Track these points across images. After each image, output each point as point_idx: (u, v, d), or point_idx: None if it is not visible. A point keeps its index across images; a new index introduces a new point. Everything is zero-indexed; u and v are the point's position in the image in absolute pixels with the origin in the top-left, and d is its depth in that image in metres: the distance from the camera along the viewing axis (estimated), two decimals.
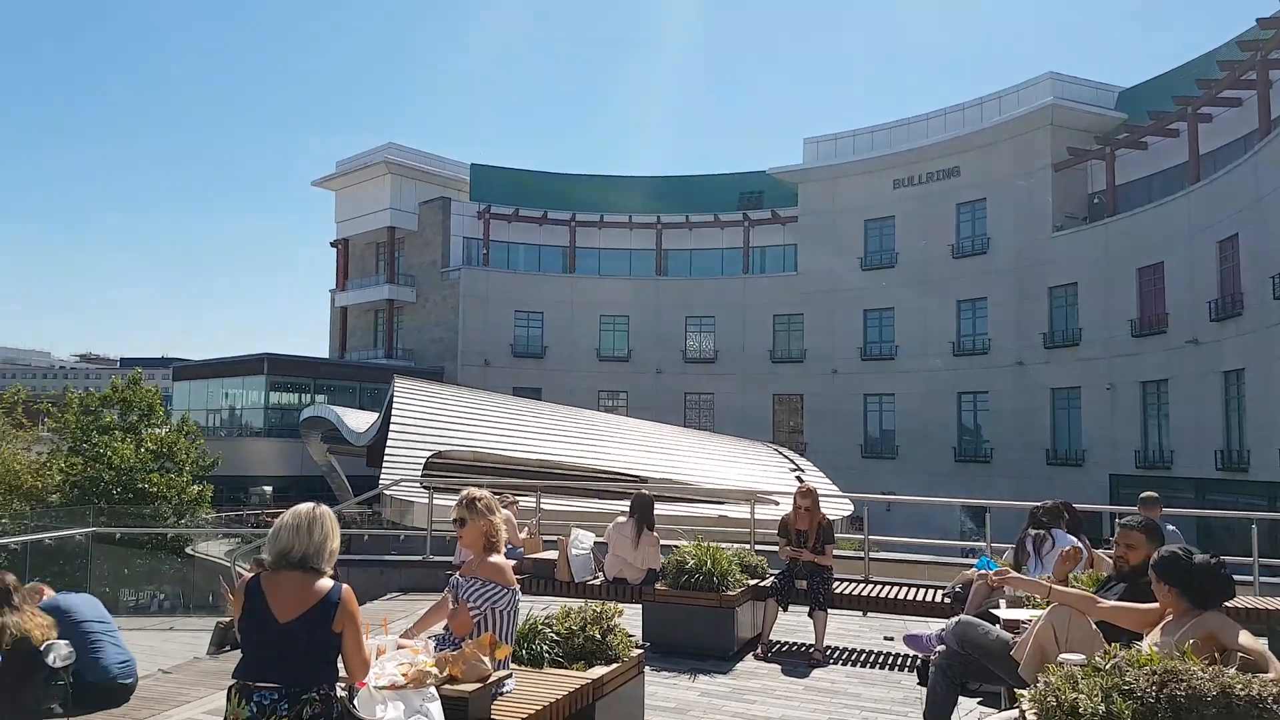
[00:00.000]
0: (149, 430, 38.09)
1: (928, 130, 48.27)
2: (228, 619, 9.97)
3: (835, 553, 8.93)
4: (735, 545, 9.93)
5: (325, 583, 3.94)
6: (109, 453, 34.88)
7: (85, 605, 6.84)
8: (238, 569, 11.85)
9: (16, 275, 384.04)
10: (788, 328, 51.72)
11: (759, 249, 54.75)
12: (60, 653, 6.09)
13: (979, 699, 6.39)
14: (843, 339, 49.30)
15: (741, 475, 23.65)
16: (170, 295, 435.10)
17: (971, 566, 9.06)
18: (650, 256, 56.25)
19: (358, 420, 35.25)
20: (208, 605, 19.26)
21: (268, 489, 46.49)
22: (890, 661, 8.33)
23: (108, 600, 7.33)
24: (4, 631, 6.02)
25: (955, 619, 5.97)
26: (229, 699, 3.84)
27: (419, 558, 12.71)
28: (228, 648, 9.01)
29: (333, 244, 62.89)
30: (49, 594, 7.05)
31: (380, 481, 18.99)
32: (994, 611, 6.33)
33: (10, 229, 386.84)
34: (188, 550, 28.51)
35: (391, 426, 22.20)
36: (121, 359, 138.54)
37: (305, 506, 4.08)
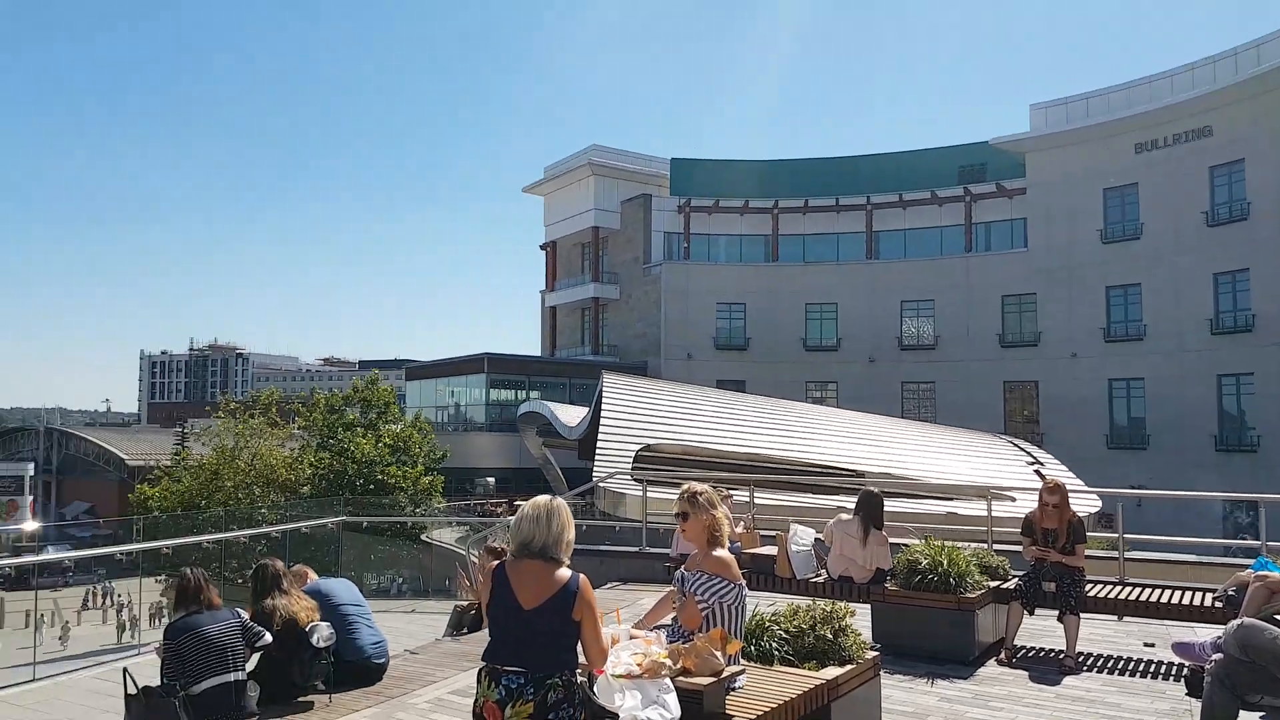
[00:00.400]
0: (386, 426, 41.43)
1: (1172, 88, 43.86)
2: (464, 603, 10.61)
3: (1084, 553, 8.30)
4: (971, 545, 9.44)
5: (564, 572, 4.10)
6: (352, 447, 38.27)
7: (342, 589, 7.49)
8: (471, 556, 12.57)
9: (267, 291, 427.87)
10: (1018, 309, 48.60)
11: (982, 225, 51.74)
12: (323, 633, 6.69)
13: (1262, 714, 5.73)
14: (1082, 319, 45.78)
15: (973, 470, 22.50)
16: (401, 301, 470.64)
17: (1246, 567, 8.15)
18: (858, 239, 54.66)
19: (569, 415, 36.61)
20: (444, 589, 20.61)
21: (490, 480, 49.31)
22: (1153, 670, 7.64)
23: (355, 584, 7.99)
24: (275, 613, 6.69)
25: (1236, 623, 5.40)
26: (479, 681, 4.07)
27: (635, 549, 13.00)
28: (464, 630, 9.56)
29: (542, 247, 65.67)
30: (312, 577, 7.78)
31: (593, 474, 19.57)
32: (1278, 617, 5.68)
33: (260, 251, 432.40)
34: (423, 537, 30.65)
35: (602, 421, 22.81)
36: (360, 361, 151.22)
37: (543, 499, 4.28)
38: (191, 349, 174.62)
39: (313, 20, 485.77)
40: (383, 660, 7.32)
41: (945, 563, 7.82)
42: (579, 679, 4.11)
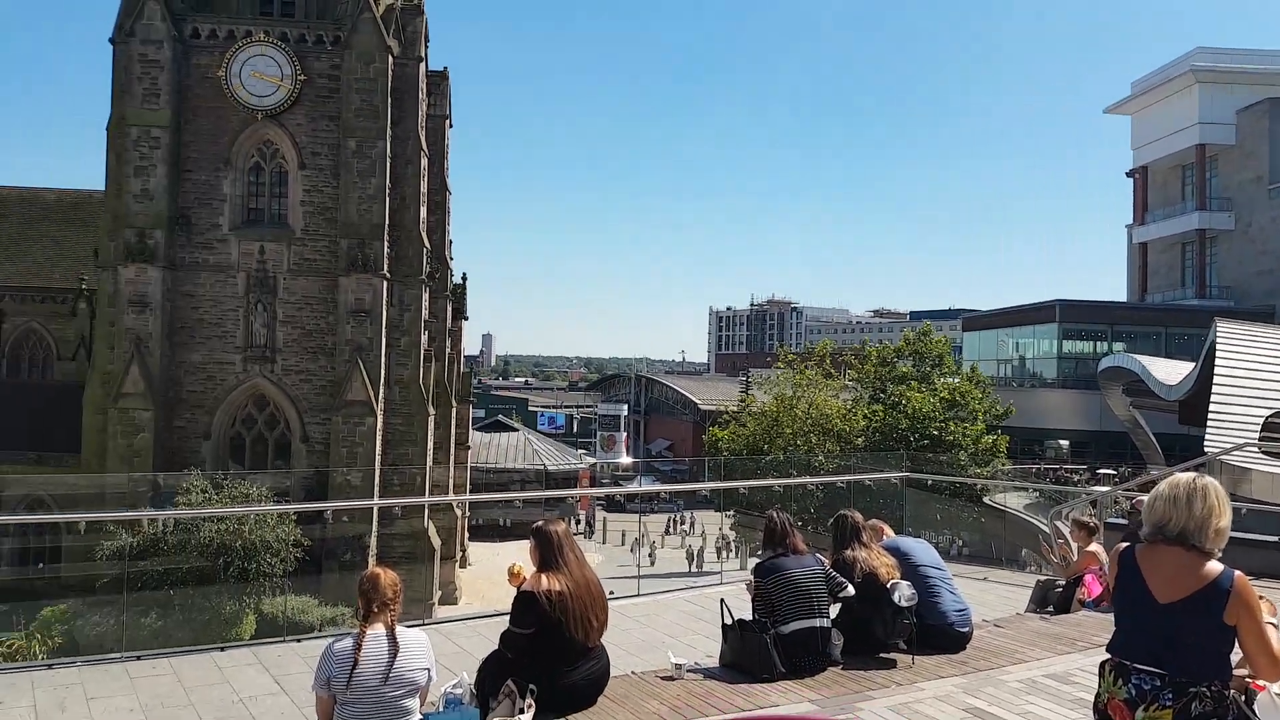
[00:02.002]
0: (941, 380, 41.03)
1: None
2: (1046, 577, 10.10)
3: None
4: None
5: (1213, 566, 3.61)
6: (904, 401, 38.62)
7: (921, 550, 7.52)
8: (1058, 527, 11.88)
9: (819, 246, 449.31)
10: None
11: None
12: (904, 592, 6.78)
13: None
14: None
15: None
16: (957, 247, 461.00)
17: None
18: None
19: (1167, 371, 32.51)
20: (1014, 559, 19.87)
21: (1063, 443, 46.17)
22: None
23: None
24: (855, 565, 6.95)
25: None
26: (1102, 675, 3.77)
27: (1272, 538, 11.10)
28: (1050, 609, 9.10)
29: (1129, 174, 59.29)
30: (888, 533, 7.95)
31: (1205, 445, 17.18)
32: None
33: (814, 207, 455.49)
34: (985, 500, 29.83)
35: (1215, 379, 19.97)
36: (910, 312, 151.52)
37: (1185, 477, 3.82)
38: (752, 304, 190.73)
39: None
40: (966, 629, 7.20)
41: None
42: (1232, 692, 3.58)
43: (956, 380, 41.21)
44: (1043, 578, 10.13)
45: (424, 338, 34.33)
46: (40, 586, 25.98)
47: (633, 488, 55.62)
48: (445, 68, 40.37)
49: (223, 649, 8.51)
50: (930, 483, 23.25)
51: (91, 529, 20.60)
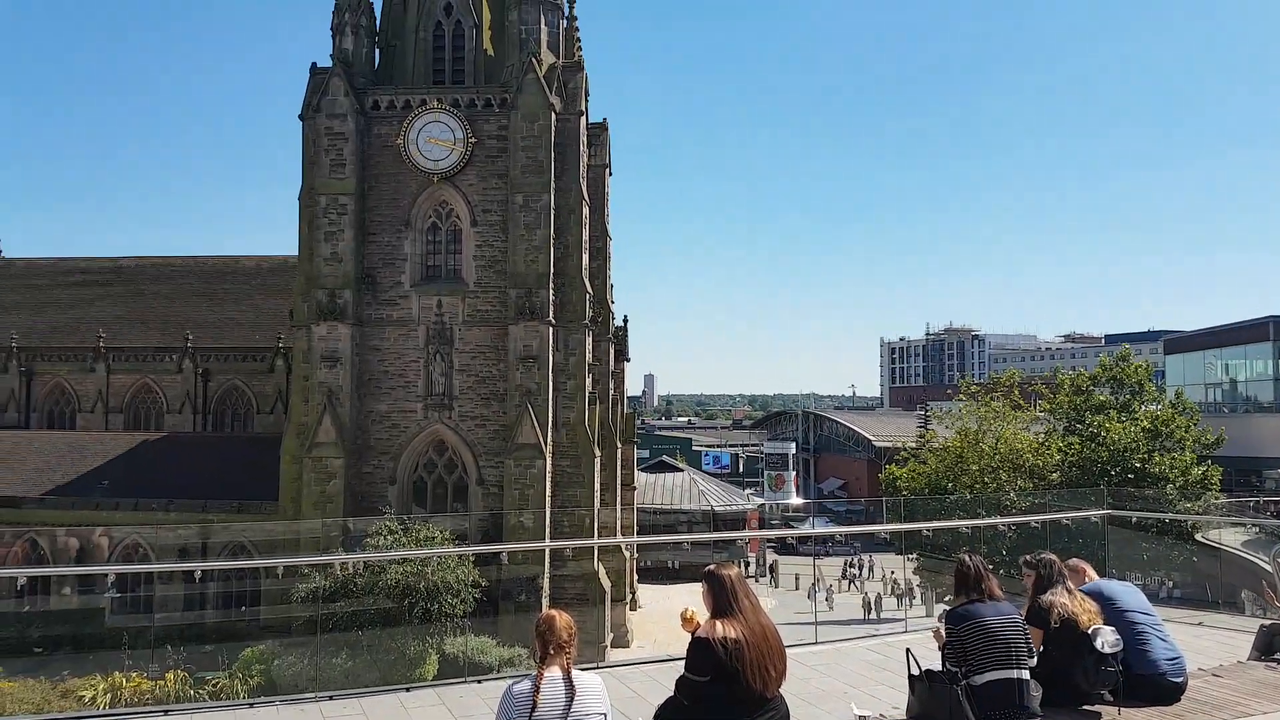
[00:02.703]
0: (1142, 408, 38.43)
1: None
2: (1271, 621, 9.25)
3: None
4: None
5: None
6: (1103, 432, 36.31)
7: (1126, 593, 7.01)
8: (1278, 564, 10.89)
9: (1000, 269, 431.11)
10: None
11: None
12: (1108, 639, 6.33)
13: None
14: None
15: None
16: (1152, 265, 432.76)
17: None
18: None
19: None
20: (1232, 602, 18.27)
21: None
22: None
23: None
24: (1052, 610, 6.56)
25: None
26: None
27: None
28: (1276, 656, 8.31)
29: None
30: (1090, 576, 7.46)
31: None
32: None
33: (989, 230, 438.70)
34: (1198, 537, 27.65)
35: None
36: (1105, 336, 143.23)
37: None
38: (927, 333, 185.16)
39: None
40: (1180, 679, 6.66)
41: None
42: None
43: (1160, 408, 38.48)
44: (1267, 622, 9.26)
45: (588, 381, 35.10)
46: (242, 628, 27.99)
47: (805, 529, 54.63)
48: (605, 119, 41.69)
49: (408, 689, 8.87)
50: (1135, 520, 21.70)
51: (288, 572, 22.10)
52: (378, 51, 36.01)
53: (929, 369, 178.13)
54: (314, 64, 34.79)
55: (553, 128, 33.80)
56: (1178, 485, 34.06)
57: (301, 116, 34.47)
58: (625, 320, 46.54)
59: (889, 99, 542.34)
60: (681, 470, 64.26)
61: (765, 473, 74.15)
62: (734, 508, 59.36)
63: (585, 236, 35.52)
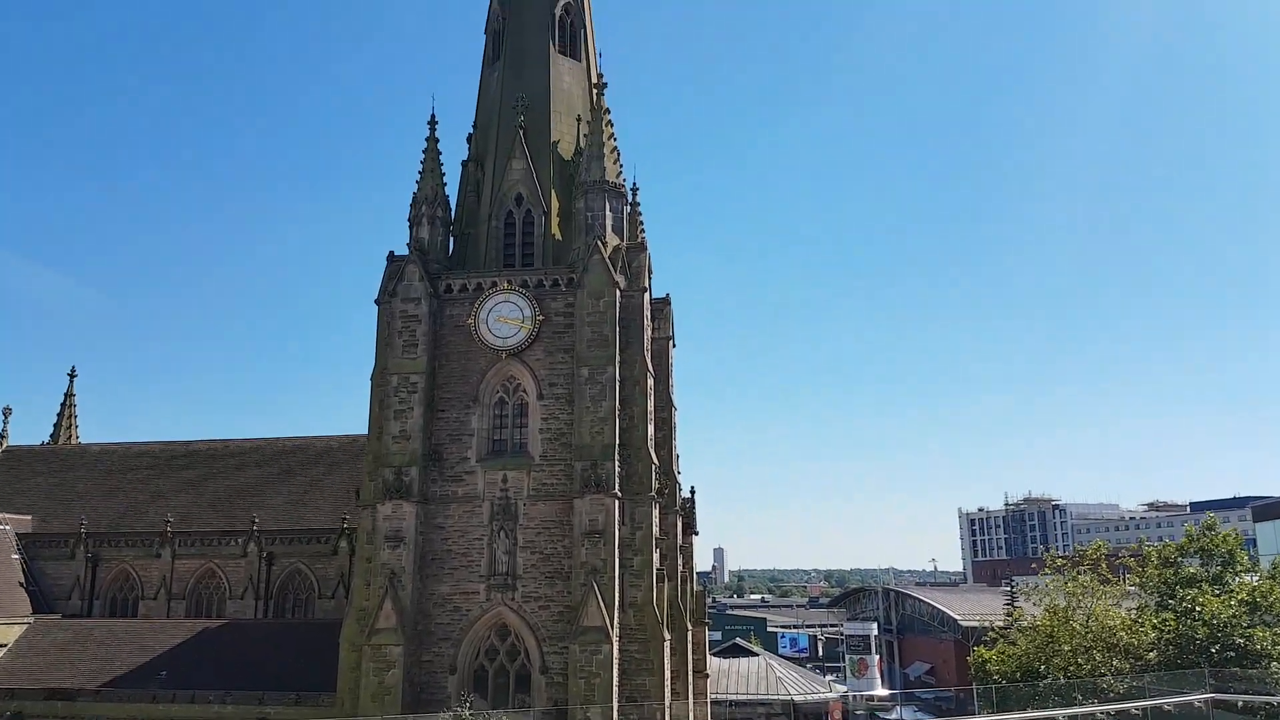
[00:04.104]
0: (1237, 579, 36.92)
1: None
2: None
3: None
4: None
5: None
6: (1197, 607, 34.78)
7: None
8: None
9: (1078, 436, 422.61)
10: None
11: None
12: None
13: None
14: None
15: None
16: (1238, 427, 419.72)
17: None
18: None
19: None
20: None
21: None
22: None
23: None
24: None
25: None
26: None
27: None
28: None
29: None
30: None
31: None
32: None
33: (1071, 395, 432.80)
34: None
35: None
36: (1190, 503, 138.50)
37: None
38: (1007, 504, 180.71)
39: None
40: None
41: None
42: None
43: (1255, 579, 36.89)
44: None
45: (655, 556, 34.89)
46: None
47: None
48: (668, 294, 43.31)
49: None
50: (1241, 704, 20.66)
51: None
52: (452, 239, 38.64)
53: (1010, 540, 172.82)
54: (391, 252, 37.46)
55: (617, 304, 35.37)
56: None
57: (377, 301, 36.73)
58: (692, 491, 46.54)
59: (967, 264, 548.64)
60: (757, 654, 62.31)
61: (847, 656, 71.41)
62: (815, 697, 56.89)
63: (650, 407, 36.32)
